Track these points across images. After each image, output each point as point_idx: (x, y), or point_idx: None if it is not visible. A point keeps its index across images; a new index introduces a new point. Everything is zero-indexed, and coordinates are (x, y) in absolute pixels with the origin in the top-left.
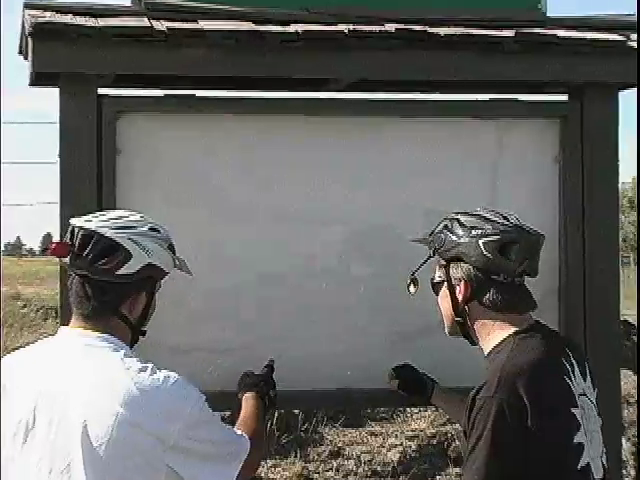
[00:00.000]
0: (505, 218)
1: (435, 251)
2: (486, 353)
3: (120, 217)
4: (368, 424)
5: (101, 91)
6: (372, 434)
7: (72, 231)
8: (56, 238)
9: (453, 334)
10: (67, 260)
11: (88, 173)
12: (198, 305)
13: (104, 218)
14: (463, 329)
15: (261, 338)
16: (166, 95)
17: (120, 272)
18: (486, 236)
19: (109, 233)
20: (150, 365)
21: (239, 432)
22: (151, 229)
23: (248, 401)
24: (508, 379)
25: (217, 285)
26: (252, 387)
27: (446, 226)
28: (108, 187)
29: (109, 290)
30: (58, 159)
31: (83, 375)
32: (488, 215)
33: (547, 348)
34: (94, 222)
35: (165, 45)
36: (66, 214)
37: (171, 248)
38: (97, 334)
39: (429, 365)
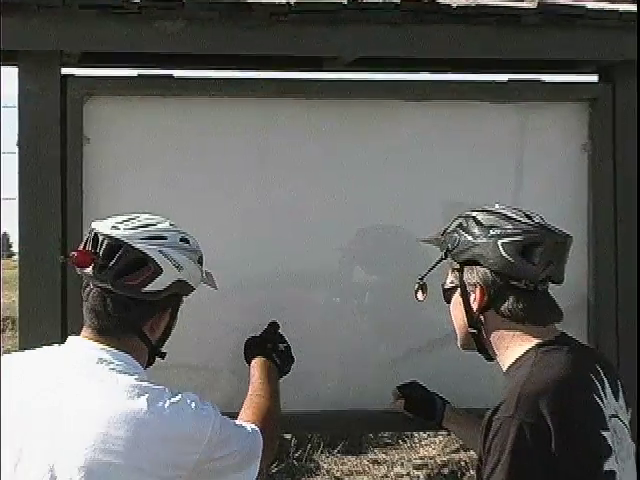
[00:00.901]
0: (528, 217)
1: (447, 252)
2: (505, 369)
3: (148, 225)
4: (370, 451)
5: (66, 71)
6: (375, 462)
7: (95, 238)
8: (13, 239)
9: (467, 347)
10: (88, 271)
11: (51, 165)
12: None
13: (131, 225)
14: (478, 342)
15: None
16: (140, 75)
17: (147, 289)
18: (506, 236)
19: (139, 244)
20: (165, 390)
21: (249, 428)
22: (182, 240)
23: (255, 369)
24: (529, 398)
25: (196, 292)
26: (256, 350)
27: (460, 225)
28: (74, 181)
29: (133, 307)
30: (17, 148)
31: (86, 401)
32: (508, 213)
33: (574, 363)
34: (122, 230)
35: (139, 18)
36: (25, 211)
37: (200, 261)
38: (113, 350)
39: (440, 383)
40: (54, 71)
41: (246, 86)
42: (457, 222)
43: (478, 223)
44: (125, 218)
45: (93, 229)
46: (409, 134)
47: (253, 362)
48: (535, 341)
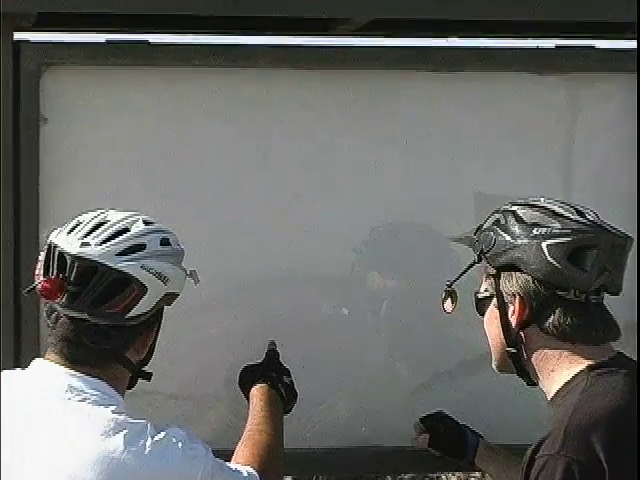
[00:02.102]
0: (579, 213)
1: (481, 255)
2: (550, 396)
3: (122, 231)
4: None
5: (19, 36)
6: None
7: (62, 259)
8: None
9: (503, 369)
10: (58, 300)
11: (1, 149)
12: None
13: (103, 236)
14: (517, 363)
15: (234, 380)
16: (109, 42)
17: (132, 314)
18: (552, 237)
19: (118, 263)
20: (147, 426)
21: (246, 472)
22: (163, 242)
23: (257, 398)
24: (579, 431)
25: (181, 306)
26: (259, 377)
27: (498, 221)
28: (29, 168)
29: (114, 335)
30: None
31: (54, 438)
32: (556, 208)
33: (632, 389)
34: (93, 246)
35: None
36: None
37: (182, 258)
38: (85, 376)
39: (472, 414)
40: (5, 36)
41: (237, 54)
42: (494, 218)
43: (519, 220)
44: (91, 225)
45: (55, 246)
46: (433, 113)
47: (254, 390)
48: (586, 363)
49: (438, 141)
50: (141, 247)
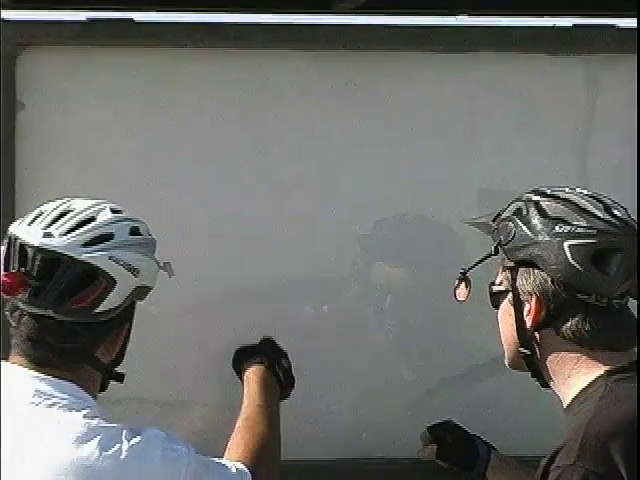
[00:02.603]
0: (607, 209)
1: (499, 246)
2: (566, 403)
3: (87, 220)
4: None
5: None
6: None
7: (22, 252)
8: None
9: (516, 368)
10: (20, 296)
11: None
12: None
13: (67, 226)
14: (530, 365)
15: (224, 387)
16: (91, 20)
17: (100, 309)
18: (576, 236)
19: (83, 254)
20: (123, 430)
21: (234, 469)
22: (132, 232)
23: (253, 383)
24: (597, 440)
25: (161, 304)
26: (254, 359)
27: (519, 211)
28: (4, 157)
29: (82, 333)
30: None
31: (23, 448)
32: (582, 202)
33: None
34: (57, 237)
35: None
36: None
37: (154, 249)
38: (54, 379)
39: (483, 423)
40: None
41: (229, 34)
42: (515, 207)
43: (541, 212)
44: (54, 214)
45: (16, 238)
46: (440, 96)
47: (250, 372)
48: (604, 368)
49: (445, 126)
50: (108, 237)
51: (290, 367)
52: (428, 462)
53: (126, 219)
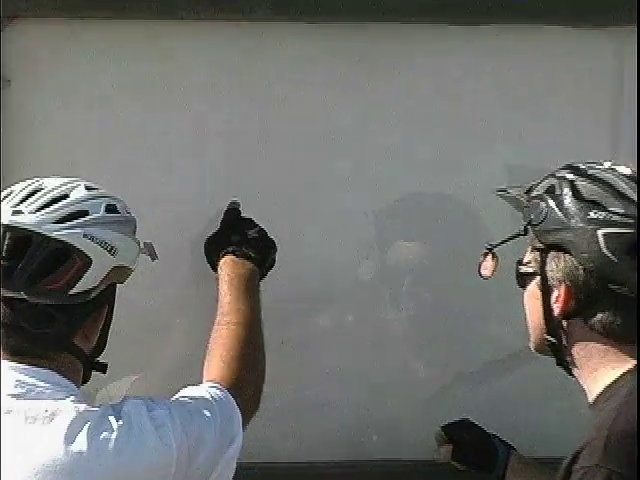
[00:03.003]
0: None
1: (530, 225)
2: (591, 398)
3: (59, 197)
4: None
5: None
6: None
7: None
8: None
9: (541, 352)
10: None
11: None
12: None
13: (38, 204)
14: (556, 353)
15: None
16: None
17: (75, 290)
18: (611, 225)
19: (55, 232)
20: (107, 412)
21: (209, 395)
22: (109, 209)
23: (223, 278)
24: (622, 440)
25: (151, 298)
26: (220, 250)
27: (552, 189)
28: None
29: (58, 317)
30: None
31: (10, 445)
32: (621, 185)
33: None
34: (26, 214)
35: None
36: None
37: (135, 230)
38: (36, 368)
39: (502, 422)
40: None
41: (230, 5)
42: (548, 183)
43: (575, 193)
44: (25, 192)
45: None
46: (459, 71)
47: (221, 266)
48: (633, 363)
49: (464, 102)
50: (82, 214)
51: (262, 231)
52: (443, 463)
53: (102, 196)
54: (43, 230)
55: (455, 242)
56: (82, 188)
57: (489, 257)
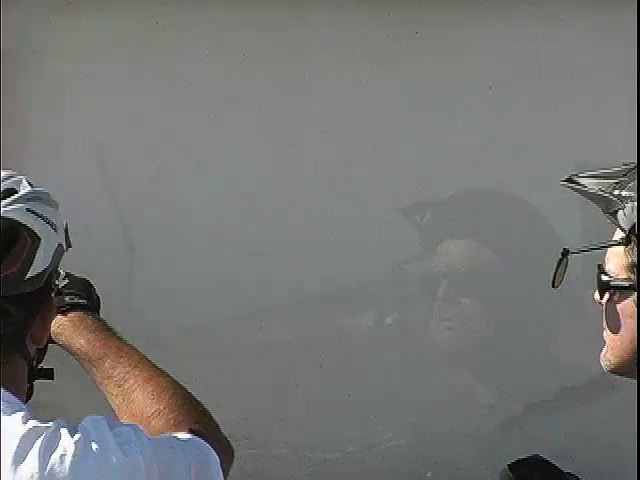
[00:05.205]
0: None
1: (632, 235)
2: None
3: None
4: None
5: None
6: None
7: None
8: None
9: (617, 373)
10: None
11: None
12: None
13: None
14: None
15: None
16: None
17: (30, 274)
18: None
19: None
20: (60, 427)
21: (174, 437)
22: (30, 184)
23: (77, 345)
24: None
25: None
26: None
27: None
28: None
29: (13, 312)
30: None
31: None
32: None
33: None
34: None
35: None
36: None
37: (57, 206)
38: None
39: (579, 459)
40: None
41: None
42: None
43: None
44: None
45: None
46: (494, 50)
47: (55, 337)
48: None
49: (520, 86)
50: (12, 192)
51: (69, 275)
52: None
53: (12, 175)
54: None
55: (516, 245)
56: None
57: (563, 264)
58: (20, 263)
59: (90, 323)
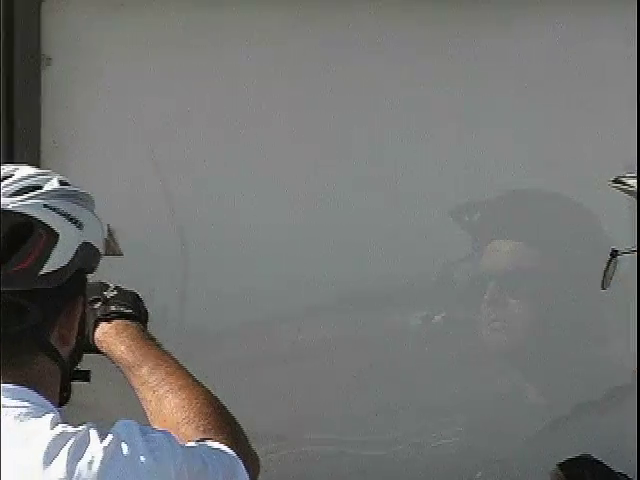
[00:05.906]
0: None
1: None
2: None
3: (6, 176)
4: None
5: None
6: None
7: None
8: None
9: None
10: None
11: None
12: None
13: None
14: None
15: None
16: None
17: (45, 270)
18: None
19: (11, 204)
20: (90, 432)
21: (206, 444)
22: (62, 182)
23: (117, 352)
24: None
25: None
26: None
27: None
28: (28, 118)
29: (29, 308)
30: None
31: None
32: None
33: None
34: None
35: None
36: None
37: (93, 206)
38: (8, 385)
39: (630, 459)
40: None
41: None
42: None
43: None
44: None
45: None
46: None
47: (98, 344)
48: None
49: (552, 82)
50: (35, 188)
51: (119, 289)
52: None
53: (47, 173)
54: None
55: (565, 245)
56: (26, 167)
57: (612, 264)
58: (32, 260)
59: (132, 331)
